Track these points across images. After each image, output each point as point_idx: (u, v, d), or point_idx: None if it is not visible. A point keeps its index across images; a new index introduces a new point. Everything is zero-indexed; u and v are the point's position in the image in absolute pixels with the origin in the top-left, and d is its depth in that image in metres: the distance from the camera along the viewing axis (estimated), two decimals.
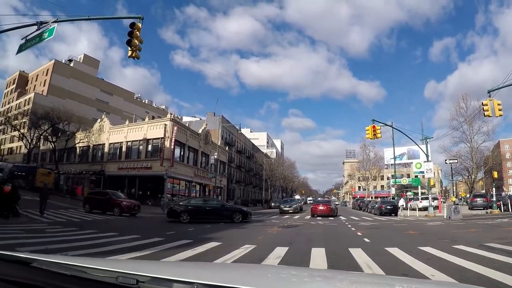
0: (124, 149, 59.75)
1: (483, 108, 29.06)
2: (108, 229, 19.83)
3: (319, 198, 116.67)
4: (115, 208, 33.19)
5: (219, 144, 73.21)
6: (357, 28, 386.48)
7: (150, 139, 56.71)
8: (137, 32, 18.73)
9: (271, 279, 2.78)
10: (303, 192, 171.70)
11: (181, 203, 32.90)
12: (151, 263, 4.67)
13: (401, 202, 47.70)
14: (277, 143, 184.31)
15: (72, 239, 15.06)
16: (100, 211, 33.83)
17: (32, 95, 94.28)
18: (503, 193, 70.38)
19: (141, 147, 57.78)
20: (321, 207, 42.41)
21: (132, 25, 18.75)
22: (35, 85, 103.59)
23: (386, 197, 76.77)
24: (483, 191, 78.80)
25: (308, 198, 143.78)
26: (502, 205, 42.78)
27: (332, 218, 39.33)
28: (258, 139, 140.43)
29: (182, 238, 16.26)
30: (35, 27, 20.18)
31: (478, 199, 50.76)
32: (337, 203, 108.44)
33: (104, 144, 62.97)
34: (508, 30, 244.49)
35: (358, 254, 12.10)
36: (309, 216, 40.58)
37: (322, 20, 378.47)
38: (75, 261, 2.46)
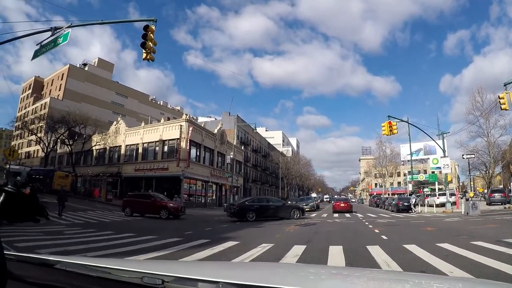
0: (140, 150, 60.01)
1: (499, 101, 28.83)
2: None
3: (335, 196, 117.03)
4: (161, 210, 32.24)
5: (234, 143, 73.15)
6: (370, 23, 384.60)
7: (166, 140, 56.85)
8: (151, 35, 18.82)
9: (290, 277, 2.81)
10: (320, 190, 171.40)
11: (246, 203, 33.74)
12: (174, 263, 4.71)
13: (412, 199, 47.39)
14: (293, 142, 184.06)
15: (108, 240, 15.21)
16: (138, 214, 33.34)
17: (48, 99, 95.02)
18: None
19: (157, 148, 57.96)
20: (342, 204, 47.88)
21: (146, 28, 18.85)
22: (50, 90, 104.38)
23: (403, 193, 76.34)
24: (501, 186, 78.13)
25: (325, 196, 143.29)
26: None
27: (349, 215, 39.73)
28: (274, 137, 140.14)
29: (200, 238, 16.35)
30: (49, 33, 20.36)
31: (496, 194, 50.33)
32: (353, 200, 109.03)
33: (121, 146, 63.28)
34: None
35: (376, 251, 12.10)
36: (326, 214, 40.66)
37: (334, 16, 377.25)
38: (99, 262, 2.48)
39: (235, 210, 31.97)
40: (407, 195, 56.37)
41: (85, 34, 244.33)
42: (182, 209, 34.15)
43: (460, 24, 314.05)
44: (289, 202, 41.93)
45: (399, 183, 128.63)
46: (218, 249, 13.06)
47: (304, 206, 42.04)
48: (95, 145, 65.86)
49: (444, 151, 45.36)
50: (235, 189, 70.09)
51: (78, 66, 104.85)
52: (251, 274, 2.96)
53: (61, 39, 20.08)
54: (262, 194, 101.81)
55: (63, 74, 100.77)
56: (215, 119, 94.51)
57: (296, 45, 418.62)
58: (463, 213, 35.46)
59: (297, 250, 12.67)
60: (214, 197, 65.27)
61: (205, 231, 21.33)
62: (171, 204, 33.63)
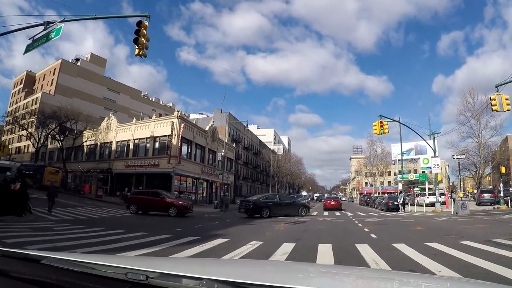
0: (131, 147, 59.70)
1: (491, 103, 28.93)
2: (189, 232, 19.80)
3: (326, 195, 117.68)
4: (170, 208, 31.70)
5: (226, 141, 73.06)
6: (365, 22, 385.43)
7: (157, 136, 56.70)
8: (144, 31, 18.74)
9: (278, 275, 2.80)
10: (310, 188, 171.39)
11: (261, 199, 34.79)
12: (160, 259, 4.70)
13: (400, 198, 47.58)
14: (284, 140, 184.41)
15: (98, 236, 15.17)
16: (145, 211, 32.81)
17: (39, 94, 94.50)
18: (511, 189, 70.14)
19: (148, 144, 57.80)
20: (332, 202, 53.16)
21: (139, 24, 18.76)
22: (42, 85, 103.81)
23: (393, 193, 76.59)
24: (491, 187, 78.69)
25: (315, 194, 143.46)
26: (509, 200, 42.52)
27: (339, 214, 40.17)
28: (265, 135, 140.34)
29: (190, 235, 16.34)
30: (42, 27, 20.24)
31: (486, 194, 50.59)
32: (344, 199, 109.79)
33: (112, 142, 62.99)
34: None
35: (365, 250, 12.14)
36: (316, 212, 40.77)
37: (329, 15, 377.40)
38: (84, 258, 2.47)
39: (251, 206, 32.62)
40: (397, 195, 56.58)
41: (78, 28, 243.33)
42: (191, 207, 33.93)
43: (454, 25, 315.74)
44: (297, 200, 42.37)
45: (389, 182, 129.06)
46: (207, 246, 13.07)
47: None
48: (86, 141, 65.50)
49: (434, 151, 45.52)
50: (226, 186, 70.05)
51: (70, 61, 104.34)
52: (236, 271, 2.95)
53: (54, 33, 19.96)
54: (253, 192, 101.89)
55: (55, 69, 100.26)
56: (207, 116, 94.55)
57: (290, 43, 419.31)
58: (452, 212, 35.70)
59: (287, 248, 12.69)
60: (204, 194, 65.01)
61: (195, 228, 21.31)
62: (180, 202, 33.41)
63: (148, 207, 32.79)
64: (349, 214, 39.36)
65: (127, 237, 15.33)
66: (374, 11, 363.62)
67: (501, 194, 43.67)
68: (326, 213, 39.82)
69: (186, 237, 15.43)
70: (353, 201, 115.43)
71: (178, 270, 2.19)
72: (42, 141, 69.25)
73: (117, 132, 62.61)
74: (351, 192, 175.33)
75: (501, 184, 46.66)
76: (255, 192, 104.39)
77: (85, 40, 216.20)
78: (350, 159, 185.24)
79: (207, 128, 66.11)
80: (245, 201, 35.09)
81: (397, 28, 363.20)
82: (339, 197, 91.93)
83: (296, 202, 39.12)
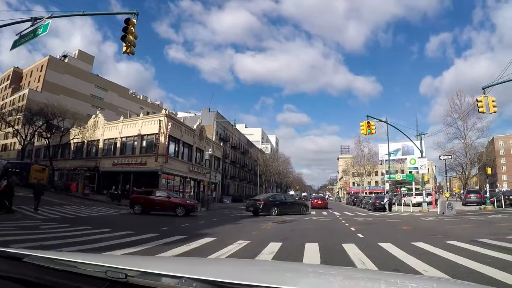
0: (118, 145, 59.44)
1: (477, 105, 29.12)
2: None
3: (313, 194, 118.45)
4: (178, 208, 31.50)
5: (213, 139, 72.95)
6: (354, 22, 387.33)
7: (145, 135, 56.45)
8: (132, 28, 18.63)
9: (261, 274, 2.80)
10: (298, 187, 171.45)
11: (270, 199, 36.74)
12: (141, 258, 4.71)
13: (385, 198, 47.74)
14: (272, 139, 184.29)
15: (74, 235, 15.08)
16: (150, 211, 32.29)
17: (26, 91, 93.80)
18: (497, 189, 70.67)
19: (135, 143, 57.51)
20: (319, 201, 56.39)
21: (127, 21, 18.64)
22: (29, 81, 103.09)
23: (380, 192, 76.90)
24: (477, 187, 79.33)
25: (303, 194, 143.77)
26: (495, 201, 42.90)
27: (326, 213, 40.67)
28: (253, 134, 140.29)
29: (177, 234, 16.28)
30: (29, 23, 20.07)
31: (472, 195, 51.04)
32: (331, 198, 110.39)
33: (99, 140, 62.61)
34: (505, 25, 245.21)
35: (352, 249, 12.15)
36: None
37: (318, 14, 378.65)
38: (66, 256, 2.47)
39: (262, 205, 34.44)
40: (383, 194, 56.85)
41: (66, 25, 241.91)
42: (197, 206, 34.78)
43: (443, 26, 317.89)
44: (298, 200, 47.35)
45: (376, 182, 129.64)
46: (194, 246, 13.03)
47: None
48: (73, 139, 64.99)
49: (421, 151, 45.75)
50: (213, 185, 69.97)
51: (58, 57, 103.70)
52: (218, 270, 2.98)
53: (41, 29, 19.78)
54: (240, 191, 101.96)
55: (42, 66, 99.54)
56: (195, 114, 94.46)
57: (279, 42, 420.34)
58: (439, 213, 35.92)
59: (273, 247, 12.67)
60: (192, 193, 64.68)
61: (182, 227, 21.22)
62: (188, 202, 33.68)
63: (154, 207, 32.43)
64: (336, 213, 39.51)
65: (114, 236, 15.24)
66: (363, 11, 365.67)
67: (487, 195, 44.00)
68: (313, 212, 40.02)
69: (173, 236, 15.37)
70: (340, 201, 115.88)
71: (158, 269, 2.19)
72: (28, 139, 68.72)
73: (104, 130, 62.23)
74: (338, 191, 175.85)
75: (487, 185, 46.98)
76: (243, 191, 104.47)
77: (73, 36, 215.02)
78: (338, 159, 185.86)
79: (194, 127, 65.98)
80: (255, 200, 37.01)
81: (386, 29, 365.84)
82: (326, 196, 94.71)
83: (298, 201, 43.00)
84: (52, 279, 2.19)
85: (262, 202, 34.95)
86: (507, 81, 29.65)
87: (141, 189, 38.48)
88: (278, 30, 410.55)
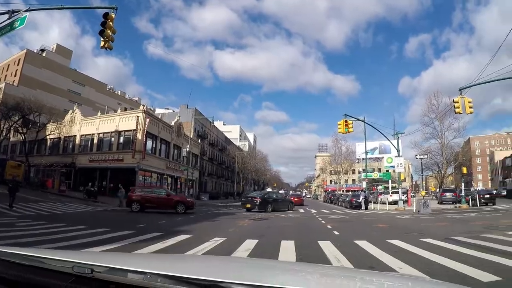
0: (95, 141, 58.76)
1: (454, 105, 29.40)
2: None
3: (291, 192, 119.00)
4: (178, 205, 31.72)
5: (191, 136, 72.64)
6: (334, 21, 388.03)
7: (122, 131, 55.94)
8: (110, 23, 18.46)
9: (234, 271, 2.77)
10: (275, 185, 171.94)
11: (265, 196, 39.00)
12: (109, 254, 4.80)
13: (361, 196, 47.98)
14: (250, 136, 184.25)
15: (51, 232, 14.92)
16: (149, 209, 31.93)
17: (2, 85, 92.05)
18: (472, 188, 71.53)
19: (112, 139, 56.98)
20: (295, 199, 54.28)
21: (106, 16, 18.46)
22: (5, 75, 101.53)
23: (357, 190, 77.29)
24: (453, 186, 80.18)
25: (280, 191, 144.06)
26: (470, 200, 43.41)
27: (303, 210, 40.87)
28: (231, 132, 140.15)
29: (153, 231, 16.19)
30: (6, 16, 19.78)
31: (448, 193, 51.66)
32: (308, 196, 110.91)
33: (75, 136, 61.82)
34: (484, 28, 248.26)
35: (327, 246, 12.18)
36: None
37: (299, 13, 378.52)
38: (33, 252, 2.51)
39: (259, 203, 36.24)
40: (360, 192, 57.11)
41: (44, 18, 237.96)
42: (194, 203, 34.94)
43: (423, 28, 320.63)
44: (287, 197, 50.95)
45: (353, 180, 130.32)
46: (170, 243, 12.98)
47: None
48: (49, 134, 63.89)
49: (398, 150, 46.05)
50: (191, 182, 69.79)
51: (35, 51, 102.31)
52: (185, 266, 3.00)
53: (18, 22, 19.51)
54: (218, 188, 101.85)
55: (19, 59, 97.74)
56: (173, 111, 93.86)
57: (259, 40, 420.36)
58: (414, 211, 36.22)
59: (249, 244, 12.67)
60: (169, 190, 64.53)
61: (159, 224, 21.14)
62: (188, 199, 34.32)
63: (153, 205, 32.25)
64: (313, 211, 39.66)
65: (89, 233, 15.13)
66: (344, 10, 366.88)
67: (463, 194, 44.48)
68: (290, 210, 40.06)
69: (149, 234, 15.27)
70: (317, 199, 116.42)
71: (125, 265, 2.22)
72: (4, 134, 67.70)
73: (81, 126, 61.54)
74: (315, 189, 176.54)
75: (463, 184, 47.55)
76: (220, 188, 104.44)
77: (51, 30, 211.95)
78: (316, 157, 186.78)
79: (172, 123, 65.65)
80: (252, 198, 38.51)
81: (366, 29, 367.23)
82: (304, 194, 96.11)
83: (287, 199, 46.13)
84: (20, 274, 2.23)
85: (259, 200, 36.74)
86: (484, 83, 30.01)
87: (139, 187, 39.20)
88: (259, 27, 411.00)
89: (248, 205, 36.75)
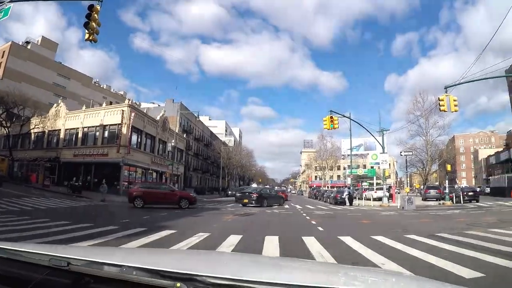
0: (80, 135, 58.19)
1: (439, 103, 29.59)
2: None
3: (276, 187, 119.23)
4: (182, 201, 32.39)
5: (177, 131, 72.30)
6: (322, 18, 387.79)
7: (107, 125, 55.52)
8: (95, 15, 18.28)
9: (215, 265, 2.78)
10: (260, 180, 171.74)
11: (261, 192, 41.93)
12: (86, 248, 4.83)
13: (345, 192, 48.14)
14: (236, 132, 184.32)
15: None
16: (152, 205, 31.90)
17: None
18: (456, 186, 72.08)
19: (97, 133, 56.41)
20: (280, 194, 51.62)
21: (91, 7, 18.26)
22: None
23: (342, 187, 77.66)
24: (437, 183, 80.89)
25: (265, 187, 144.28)
26: (454, 197, 43.74)
27: (287, 206, 41.11)
28: (217, 127, 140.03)
29: (137, 226, 16.09)
30: None
31: (432, 190, 52.05)
32: (293, 192, 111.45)
33: (60, 130, 61.23)
34: (470, 28, 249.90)
35: (311, 242, 12.17)
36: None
37: (287, 9, 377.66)
38: (11, 246, 2.54)
39: (256, 198, 38.01)
40: (343, 188, 57.35)
41: (29, 9, 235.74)
42: (196, 199, 35.65)
43: (410, 26, 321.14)
44: (278, 193, 51.17)
45: (338, 176, 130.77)
46: (153, 238, 12.86)
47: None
48: (33, 128, 63.44)
49: (383, 147, 46.20)
50: (176, 177, 69.63)
51: (20, 43, 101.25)
52: (161, 259, 3.02)
53: (2, 13, 19.25)
54: (203, 183, 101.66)
55: (4, 52, 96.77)
56: (159, 105, 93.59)
57: (246, 35, 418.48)
58: (399, 207, 36.36)
59: (233, 239, 12.63)
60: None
61: (143, 219, 21.04)
62: (191, 194, 35.27)
63: (157, 200, 32.51)
64: (298, 207, 39.75)
65: (72, 228, 14.97)
66: (332, 7, 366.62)
67: (447, 191, 44.82)
68: (275, 205, 40.14)
69: (133, 229, 15.18)
70: (302, 194, 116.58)
71: (102, 258, 2.23)
72: None
73: (66, 120, 60.96)
74: (300, 185, 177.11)
75: (447, 181, 47.96)
76: (205, 183, 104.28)
77: (36, 21, 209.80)
78: (301, 152, 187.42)
79: (158, 118, 65.34)
80: (248, 193, 40.08)
81: (354, 26, 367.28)
82: (289, 190, 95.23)
83: (279, 195, 47.43)
84: None
85: (256, 195, 38.61)
86: (470, 81, 30.25)
87: (143, 183, 40.51)
88: (246, 22, 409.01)
89: (245, 200, 38.11)
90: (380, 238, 13.23)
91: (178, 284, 1.83)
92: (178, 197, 32.55)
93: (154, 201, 32.13)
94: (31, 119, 63.76)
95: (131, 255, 3.29)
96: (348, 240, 12.58)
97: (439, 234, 14.21)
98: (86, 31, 18.23)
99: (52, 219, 18.22)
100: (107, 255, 2.84)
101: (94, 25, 18.27)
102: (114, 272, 1.99)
